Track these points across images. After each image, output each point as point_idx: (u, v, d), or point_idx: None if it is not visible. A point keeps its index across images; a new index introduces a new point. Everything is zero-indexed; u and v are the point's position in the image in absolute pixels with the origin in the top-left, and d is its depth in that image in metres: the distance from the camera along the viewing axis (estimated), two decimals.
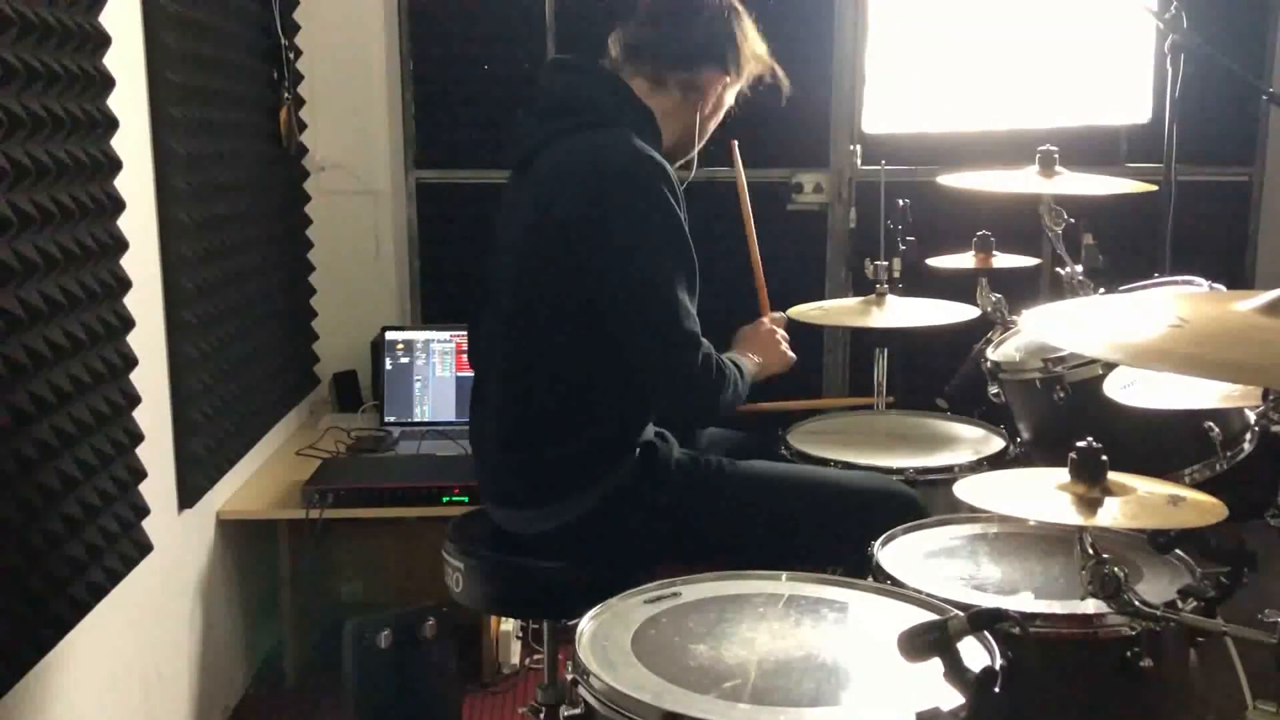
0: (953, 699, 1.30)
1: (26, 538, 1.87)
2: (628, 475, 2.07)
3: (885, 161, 3.36)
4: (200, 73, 2.75)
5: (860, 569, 1.80)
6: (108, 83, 2.15)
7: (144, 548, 2.27)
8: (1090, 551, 1.50)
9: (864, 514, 1.87)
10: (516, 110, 2.24)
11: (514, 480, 2.12)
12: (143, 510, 2.27)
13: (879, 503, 1.90)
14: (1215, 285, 2.08)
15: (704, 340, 2.02)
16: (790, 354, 2.36)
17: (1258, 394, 1.82)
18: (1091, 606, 1.59)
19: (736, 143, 2.46)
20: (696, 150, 2.26)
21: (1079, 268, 2.45)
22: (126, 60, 2.34)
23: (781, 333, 2.39)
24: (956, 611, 1.41)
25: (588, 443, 2.05)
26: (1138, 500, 1.53)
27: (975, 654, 1.43)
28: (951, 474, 2.28)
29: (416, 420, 3.51)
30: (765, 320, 2.39)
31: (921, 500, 2.14)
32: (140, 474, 2.26)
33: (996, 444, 2.47)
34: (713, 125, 2.26)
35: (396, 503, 2.95)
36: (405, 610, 2.66)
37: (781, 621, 1.60)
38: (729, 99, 2.25)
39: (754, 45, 2.21)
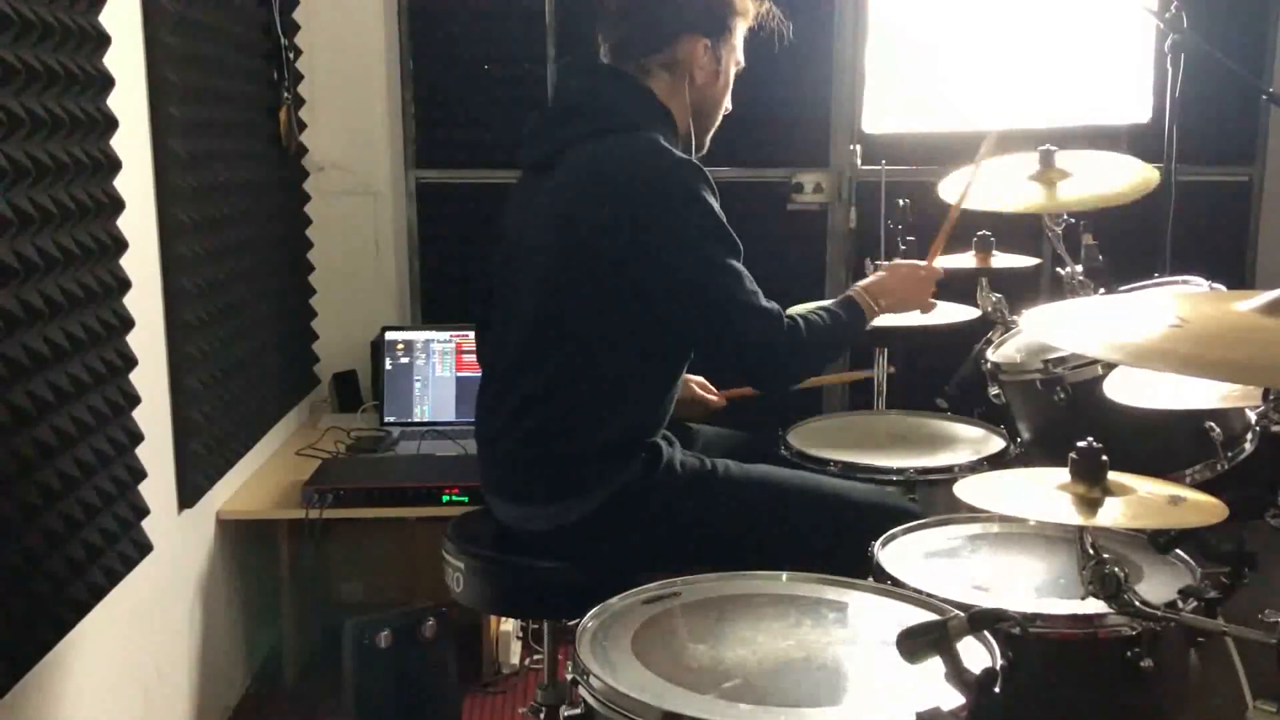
0: (953, 699, 1.30)
1: (26, 538, 1.87)
2: (632, 476, 2.07)
3: (885, 161, 3.36)
4: (200, 73, 2.75)
5: (860, 577, 1.79)
6: (108, 83, 2.15)
7: (144, 548, 2.27)
8: (1090, 551, 1.50)
9: (865, 526, 1.87)
10: (530, 111, 2.21)
11: (524, 476, 2.11)
12: (142, 510, 2.27)
13: (881, 516, 1.91)
14: (1215, 285, 2.08)
15: (772, 305, 2.03)
16: (932, 301, 2.35)
17: (1258, 394, 1.82)
18: (1091, 606, 1.59)
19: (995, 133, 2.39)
20: (720, 117, 2.24)
21: (1079, 268, 2.45)
22: (126, 60, 2.34)
23: (933, 281, 2.35)
24: (956, 611, 1.41)
25: (601, 442, 2.05)
26: (1138, 500, 1.53)
27: (975, 654, 1.43)
28: (951, 474, 2.28)
29: (416, 420, 3.51)
30: (925, 263, 2.35)
31: (922, 516, 2.12)
32: (140, 474, 2.25)
33: (996, 444, 2.47)
34: (722, 88, 2.21)
35: (396, 503, 2.95)
36: (405, 610, 2.66)
37: (781, 621, 1.60)
38: (728, 57, 2.18)
39: None
